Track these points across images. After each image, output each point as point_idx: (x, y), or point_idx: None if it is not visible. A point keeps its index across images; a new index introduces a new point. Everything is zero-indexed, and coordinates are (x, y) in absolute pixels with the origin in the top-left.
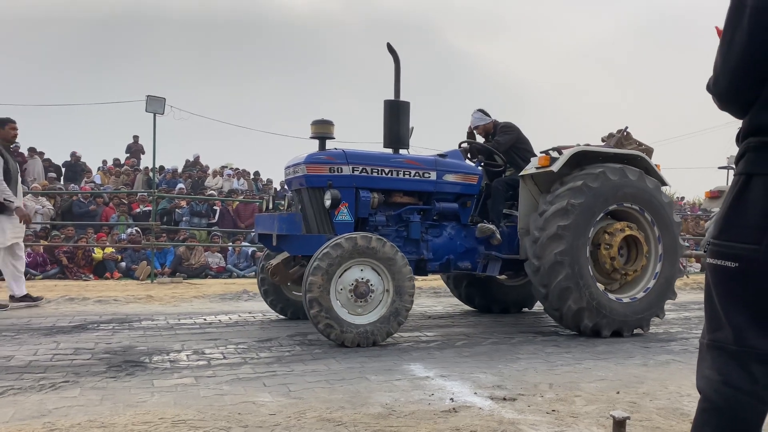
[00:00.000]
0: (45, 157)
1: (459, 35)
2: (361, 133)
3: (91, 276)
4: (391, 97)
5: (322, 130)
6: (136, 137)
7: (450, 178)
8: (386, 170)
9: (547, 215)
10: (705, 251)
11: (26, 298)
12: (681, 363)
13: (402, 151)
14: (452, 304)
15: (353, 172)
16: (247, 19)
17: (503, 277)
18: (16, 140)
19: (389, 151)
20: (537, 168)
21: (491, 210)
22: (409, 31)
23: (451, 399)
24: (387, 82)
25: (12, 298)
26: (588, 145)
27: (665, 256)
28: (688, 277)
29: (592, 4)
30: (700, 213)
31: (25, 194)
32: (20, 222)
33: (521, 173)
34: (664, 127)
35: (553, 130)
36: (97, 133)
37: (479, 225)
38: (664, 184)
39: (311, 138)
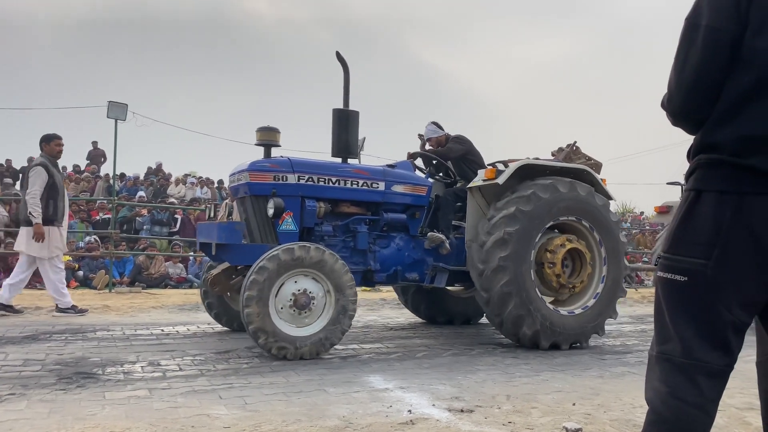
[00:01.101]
0: (2, 161)
1: (426, 49)
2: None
3: None
4: (349, 105)
5: (268, 138)
6: (95, 143)
7: (399, 188)
8: (333, 179)
9: (495, 220)
10: (656, 264)
11: (72, 309)
12: (636, 375)
13: (351, 161)
14: (415, 315)
15: (299, 180)
16: (213, 26)
17: (454, 288)
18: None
19: (338, 160)
20: (484, 180)
21: (440, 219)
22: (377, 44)
23: (409, 411)
24: (358, 92)
25: (57, 308)
26: (537, 158)
27: (609, 274)
28: (636, 290)
29: (557, 22)
30: (659, 228)
31: None
32: (32, 237)
33: (469, 185)
34: (629, 141)
35: (517, 144)
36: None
37: (429, 234)
38: (609, 198)
39: (256, 145)
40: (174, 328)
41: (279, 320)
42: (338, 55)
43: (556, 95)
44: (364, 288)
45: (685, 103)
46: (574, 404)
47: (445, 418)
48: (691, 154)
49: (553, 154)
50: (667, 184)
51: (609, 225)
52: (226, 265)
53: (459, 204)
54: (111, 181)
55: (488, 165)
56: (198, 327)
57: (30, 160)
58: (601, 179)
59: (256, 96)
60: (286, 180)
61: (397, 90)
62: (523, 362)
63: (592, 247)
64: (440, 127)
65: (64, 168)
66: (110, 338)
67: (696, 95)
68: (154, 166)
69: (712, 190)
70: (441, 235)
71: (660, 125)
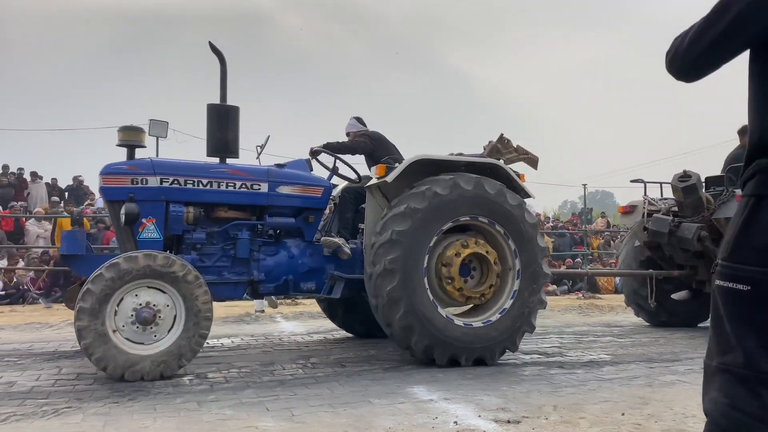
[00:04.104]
0: (48, 180)
1: (460, 58)
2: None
3: None
4: (227, 100)
5: (130, 138)
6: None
7: (286, 190)
8: (204, 182)
9: (386, 219)
10: (713, 272)
11: None
12: (686, 384)
13: (232, 161)
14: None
15: (161, 183)
16: (249, 47)
17: None
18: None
19: (216, 160)
20: (378, 178)
21: (339, 221)
22: (412, 54)
23: (455, 422)
24: (393, 102)
25: None
26: (460, 153)
27: (523, 281)
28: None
29: (593, 27)
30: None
31: (27, 218)
32: None
33: (367, 184)
34: (668, 143)
35: (557, 147)
36: (101, 157)
37: (323, 238)
38: (527, 196)
39: (117, 146)
40: (218, 340)
41: (117, 338)
42: (212, 47)
43: (594, 98)
44: None
45: (686, 68)
46: (623, 414)
47: (492, 430)
48: (748, 158)
49: (484, 149)
50: (631, 181)
51: (523, 226)
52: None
53: (362, 204)
54: None
55: (381, 161)
56: (242, 339)
57: (75, 178)
58: (519, 175)
59: (292, 110)
60: (146, 183)
61: (433, 98)
62: (568, 372)
63: (504, 252)
64: (362, 123)
65: None
66: None
67: (699, 66)
68: None
69: None
70: (337, 239)
71: (700, 127)
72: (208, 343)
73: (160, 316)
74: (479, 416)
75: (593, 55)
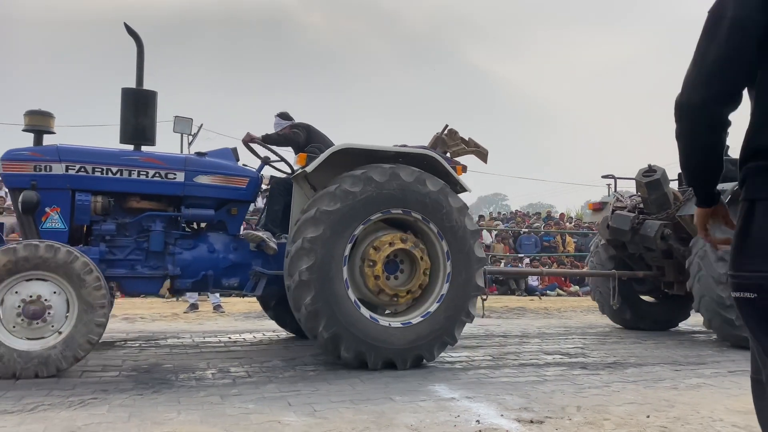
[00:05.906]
0: None
1: (482, 56)
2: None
3: (118, 294)
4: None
5: (37, 122)
6: None
7: (205, 180)
8: (114, 170)
9: (298, 224)
10: (726, 282)
11: None
12: (713, 387)
13: (148, 149)
14: (477, 325)
15: (67, 171)
16: (275, 48)
17: None
18: None
19: (131, 147)
20: (302, 168)
21: (267, 214)
22: (434, 52)
23: (477, 421)
24: (414, 99)
25: None
26: (404, 145)
27: (455, 272)
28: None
29: (617, 25)
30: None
31: None
32: None
33: (293, 175)
34: None
35: (583, 148)
36: None
37: (244, 232)
38: (463, 190)
39: (23, 131)
40: (240, 335)
41: (3, 335)
42: (128, 28)
43: (618, 97)
44: None
45: (702, 98)
46: (648, 417)
47: (515, 429)
48: (740, 162)
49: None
50: (602, 177)
51: (449, 213)
52: None
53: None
54: None
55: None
56: (264, 334)
57: None
58: (456, 167)
59: (318, 109)
60: (51, 170)
61: (454, 96)
62: (592, 372)
63: (434, 244)
64: (286, 119)
65: None
66: (181, 345)
67: (715, 90)
68: None
69: (765, 198)
70: (260, 234)
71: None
72: (229, 337)
73: (50, 309)
74: (501, 415)
75: (617, 53)
